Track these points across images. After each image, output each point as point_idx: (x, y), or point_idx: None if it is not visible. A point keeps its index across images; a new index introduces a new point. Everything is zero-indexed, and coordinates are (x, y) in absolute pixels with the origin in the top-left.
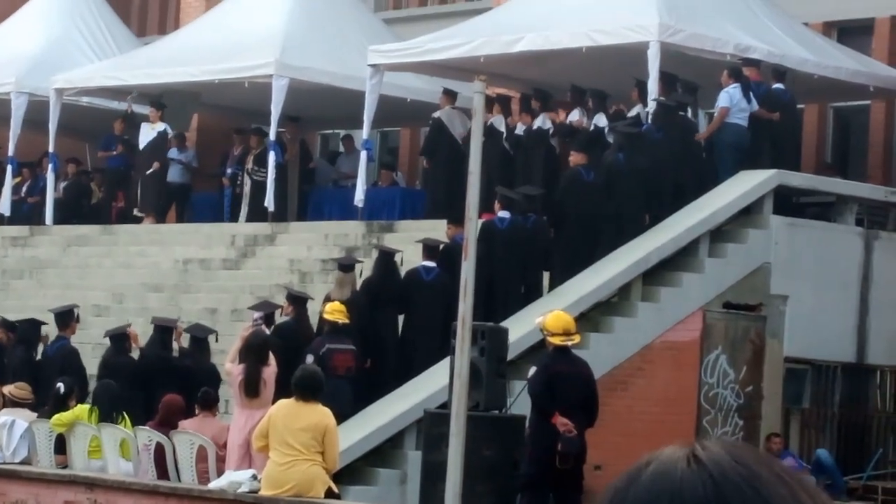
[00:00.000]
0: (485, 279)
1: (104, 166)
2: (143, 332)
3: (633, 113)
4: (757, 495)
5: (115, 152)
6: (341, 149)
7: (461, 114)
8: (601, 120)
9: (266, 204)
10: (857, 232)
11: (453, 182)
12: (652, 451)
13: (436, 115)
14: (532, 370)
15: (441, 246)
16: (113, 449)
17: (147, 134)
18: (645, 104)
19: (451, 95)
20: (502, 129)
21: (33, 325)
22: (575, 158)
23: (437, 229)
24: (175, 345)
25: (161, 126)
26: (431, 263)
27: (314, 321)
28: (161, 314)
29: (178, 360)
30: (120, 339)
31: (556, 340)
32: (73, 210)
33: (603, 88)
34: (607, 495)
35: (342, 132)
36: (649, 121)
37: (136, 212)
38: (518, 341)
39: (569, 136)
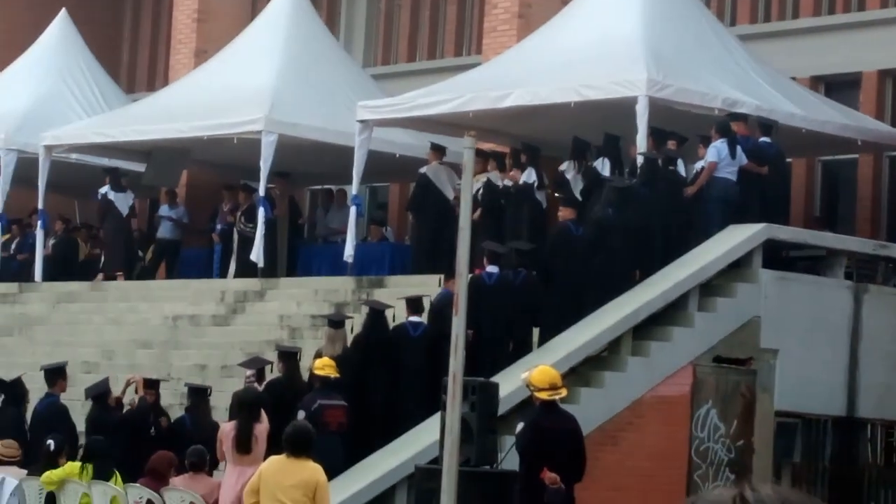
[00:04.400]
0: (474, 334)
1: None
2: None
3: (562, 167)
4: None
5: None
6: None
7: (448, 169)
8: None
9: (254, 258)
10: (847, 285)
11: (439, 237)
12: None
13: (422, 170)
14: (520, 425)
15: (424, 299)
16: None
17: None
18: (575, 158)
19: (438, 150)
20: (499, 183)
21: (21, 383)
22: (564, 213)
23: (427, 284)
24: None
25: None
26: (417, 318)
27: (305, 376)
28: (151, 371)
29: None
30: (101, 397)
31: (543, 395)
32: (62, 266)
33: (591, 142)
34: None
35: (333, 188)
36: (625, 175)
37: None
38: (508, 396)
39: (560, 187)
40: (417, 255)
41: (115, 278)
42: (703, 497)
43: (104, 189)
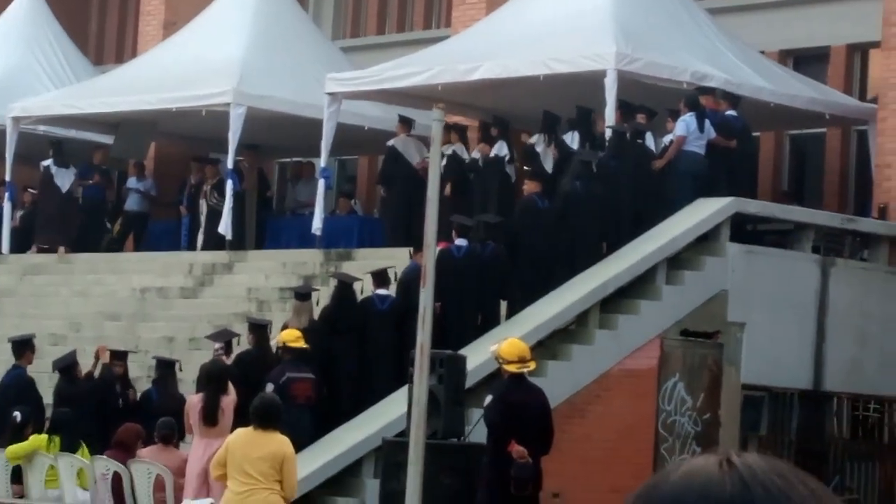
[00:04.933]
0: (441, 307)
1: (81, 195)
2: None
3: (532, 140)
4: (787, 502)
5: (91, 181)
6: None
7: (417, 141)
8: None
9: (222, 231)
10: (814, 259)
11: (409, 210)
12: (610, 478)
13: (391, 143)
14: (488, 398)
15: (389, 271)
16: (70, 478)
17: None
18: (545, 132)
19: (406, 123)
20: (465, 156)
21: None
22: (529, 186)
23: (395, 257)
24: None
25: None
26: (384, 291)
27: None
28: (118, 343)
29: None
30: (68, 369)
31: (511, 368)
32: (30, 238)
33: (560, 116)
34: (638, 491)
35: (301, 160)
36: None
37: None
38: (476, 369)
39: (529, 160)
40: (388, 228)
41: (45, 251)
42: (689, 461)
43: (47, 162)
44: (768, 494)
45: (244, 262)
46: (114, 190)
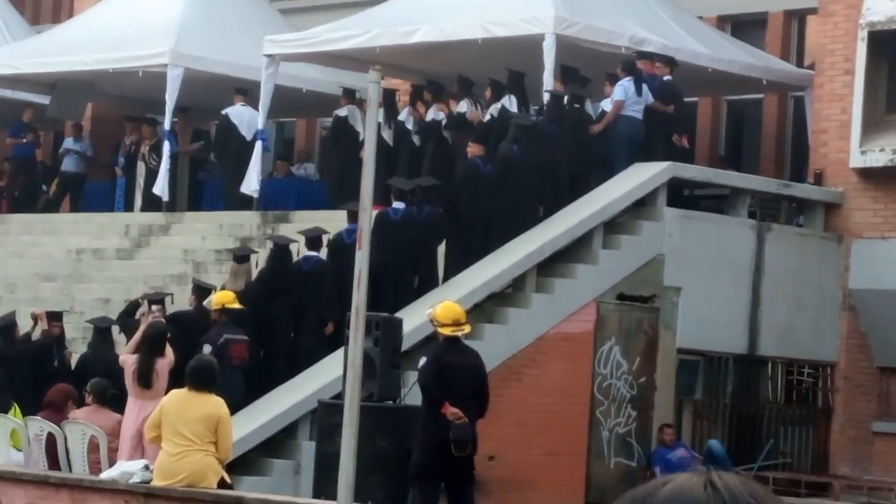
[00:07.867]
0: (377, 270)
1: (10, 154)
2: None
3: (462, 109)
4: None
5: (25, 140)
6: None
7: (251, 111)
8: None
9: (157, 192)
10: (750, 224)
11: (236, 175)
12: (546, 441)
13: (224, 111)
14: (422, 360)
15: (322, 235)
16: (3, 439)
17: None
18: (467, 97)
19: (242, 92)
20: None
21: None
22: (472, 150)
23: (333, 220)
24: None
25: None
26: (312, 253)
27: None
28: (54, 304)
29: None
30: (6, 329)
31: (446, 331)
32: None
33: (499, 80)
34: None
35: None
36: (540, 112)
37: None
38: (412, 332)
39: (459, 127)
40: (225, 194)
41: None
42: (673, 480)
43: None
44: None
45: (181, 223)
46: (49, 149)
